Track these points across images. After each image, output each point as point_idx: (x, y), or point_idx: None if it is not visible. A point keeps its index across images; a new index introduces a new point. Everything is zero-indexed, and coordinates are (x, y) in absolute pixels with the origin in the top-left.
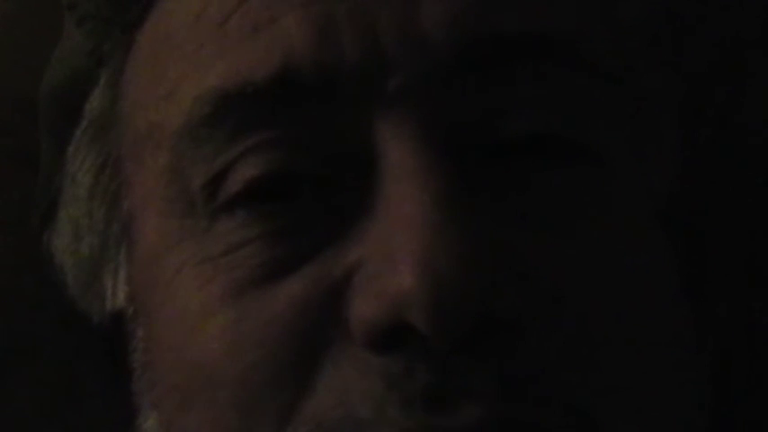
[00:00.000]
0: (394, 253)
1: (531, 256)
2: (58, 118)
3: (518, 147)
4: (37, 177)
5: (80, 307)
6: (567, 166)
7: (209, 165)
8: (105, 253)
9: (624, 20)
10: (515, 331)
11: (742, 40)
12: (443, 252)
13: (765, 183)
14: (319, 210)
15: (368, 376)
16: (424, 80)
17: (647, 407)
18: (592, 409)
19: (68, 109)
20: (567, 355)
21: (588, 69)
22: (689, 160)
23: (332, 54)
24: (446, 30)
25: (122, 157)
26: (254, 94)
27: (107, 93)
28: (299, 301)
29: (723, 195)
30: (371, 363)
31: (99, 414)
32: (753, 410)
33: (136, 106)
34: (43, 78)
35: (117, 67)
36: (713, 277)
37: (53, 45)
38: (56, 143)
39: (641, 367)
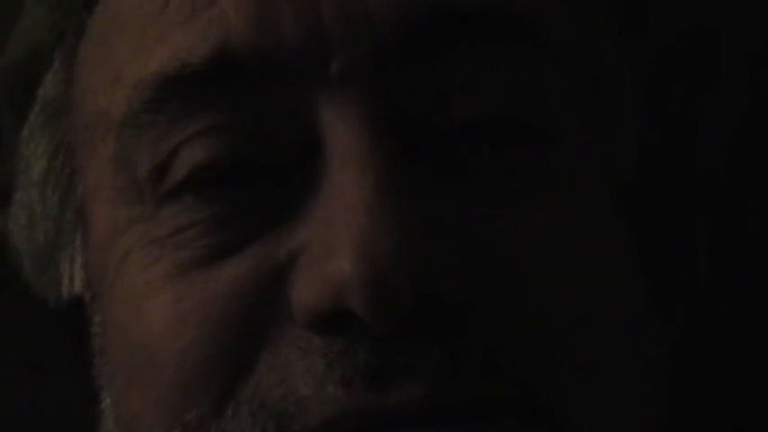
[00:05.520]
0: (334, 238)
1: (479, 236)
2: (18, 95)
3: (466, 128)
4: None
5: (36, 291)
6: (514, 146)
7: (153, 151)
8: (60, 239)
9: None
10: (462, 311)
11: (714, 20)
12: (381, 237)
13: (729, 163)
14: (265, 193)
15: (309, 355)
16: (369, 61)
17: (598, 381)
18: (541, 384)
19: (28, 87)
20: (515, 333)
21: (542, 48)
22: (653, 138)
23: (271, 37)
24: (391, 8)
25: (75, 144)
26: (193, 77)
27: (61, 76)
28: (240, 282)
29: (686, 174)
30: (313, 342)
31: (66, 393)
32: (714, 392)
33: (87, 91)
34: (4, 54)
35: (71, 49)
36: (675, 256)
37: (14, 20)
38: (16, 121)
39: (593, 342)
